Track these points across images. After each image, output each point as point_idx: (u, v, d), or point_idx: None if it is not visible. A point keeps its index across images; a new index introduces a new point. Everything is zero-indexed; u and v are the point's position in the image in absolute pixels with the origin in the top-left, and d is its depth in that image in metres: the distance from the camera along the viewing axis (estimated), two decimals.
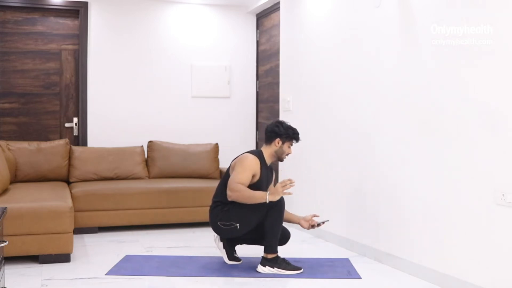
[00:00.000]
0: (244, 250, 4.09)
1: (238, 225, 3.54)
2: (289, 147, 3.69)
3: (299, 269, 3.54)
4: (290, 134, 3.66)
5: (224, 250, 3.68)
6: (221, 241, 3.68)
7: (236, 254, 3.75)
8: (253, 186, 3.54)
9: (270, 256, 3.51)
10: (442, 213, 3.24)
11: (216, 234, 3.70)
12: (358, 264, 3.73)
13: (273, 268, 3.49)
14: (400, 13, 3.62)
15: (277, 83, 5.51)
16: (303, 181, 4.95)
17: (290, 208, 5.15)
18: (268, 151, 3.69)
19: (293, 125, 3.72)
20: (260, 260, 3.55)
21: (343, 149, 4.30)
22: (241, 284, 3.31)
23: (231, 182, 3.49)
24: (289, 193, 3.42)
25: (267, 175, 3.71)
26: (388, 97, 3.74)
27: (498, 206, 2.85)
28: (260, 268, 3.52)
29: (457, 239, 3.13)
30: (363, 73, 4.03)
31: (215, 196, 3.71)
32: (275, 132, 3.66)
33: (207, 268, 3.60)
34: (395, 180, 3.67)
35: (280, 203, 3.50)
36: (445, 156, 3.22)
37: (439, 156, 3.27)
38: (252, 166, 3.55)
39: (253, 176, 3.56)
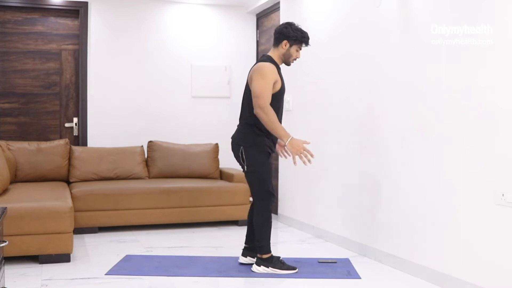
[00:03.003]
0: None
1: (246, 166, 3.46)
2: (297, 50, 3.52)
3: (294, 268, 3.53)
4: (298, 37, 3.47)
5: (276, 270, 3.49)
6: (273, 267, 3.49)
7: (284, 263, 3.55)
8: (276, 95, 3.42)
9: (264, 256, 3.51)
10: (442, 213, 3.24)
11: (256, 266, 3.52)
12: (358, 264, 3.73)
13: (268, 267, 3.48)
14: (400, 13, 3.62)
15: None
16: (303, 180, 4.95)
17: (290, 208, 5.17)
18: (276, 54, 3.52)
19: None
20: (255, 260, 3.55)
21: (343, 149, 4.30)
22: (241, 284, 3.31)
23: (260, 96, 3.29)
24: (303, 160, 3.33)
25: (283, 80, 3.56)
26: (388, 97, 3.74)
27: (498, 206, 2.85)
28: (255, 268, 3.51)
29: (457, 239, 3.13)
30: (363, 73, 4.03)
31: (240, 119, 3.57)
32: (283, 33, 3.48)
33: (207, 268, 3.60)
34: (395, 180, 3.67)
35: (266, 201, 3.46)
36: (445, 156, 3.22)
37: (439, 156, 3.27)
38: (272, 74, 3.39)
39: (275, 83, 3.41)
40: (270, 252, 3.52)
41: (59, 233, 3.67)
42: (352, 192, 4.17)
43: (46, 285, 3.19)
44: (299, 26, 3.54)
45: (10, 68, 5.59)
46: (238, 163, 3.58)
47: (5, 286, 2.76)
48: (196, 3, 6.05)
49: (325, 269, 3.61)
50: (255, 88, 3.37)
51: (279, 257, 3.59)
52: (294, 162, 3.45)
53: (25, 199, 3.84)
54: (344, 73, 4.29)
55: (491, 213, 2.89)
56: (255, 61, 6.26)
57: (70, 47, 5.77)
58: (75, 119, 5.78)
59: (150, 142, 5.62)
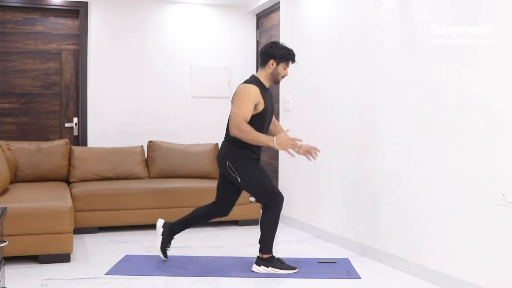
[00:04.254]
0: (242, 251, 4.09)
1: (240, 179, 3.49)
2: (284, 68, 3.54)
3: (293, 268, 3.53)
4: (284, 55, 3.49)
5: (161, 237, 3.66)
6: (162, 227, 3.67)
7: (168, 249, 3.73)
8: (259, 116, 3.45)
9: (265, 256, 3.52)
10: (442, 213, 3.24)
11: (162, 220, 3.70)
12: (358, 264, 3.73)
13: (268, 267, 3.50)
14: (400, 13, 3.62)
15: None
16: (303, 180, 4.95)
17: (290, 208, 5.16)
18: (263, 74, 3.54)
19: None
20: (255, 260, 3.56)
21: (343, 149, 4.30)
22: (241, 284, 3.31)
23: (234, 116, 3.35)
24: (296, 151, 3.41)
25: (270, 100, 3.60)
26: (388, 97, 3.74)
27: (498, 206, 2.85)
28: (255, 268, 3.52)
29: (457, 239, 3.13)
30: (363, 73, 4.03)
31: (226, 135, 3.59)
32: (269, 53, 3.50)
33: (207, 268, 3.60)
34: (395, 180, 3.67)
35: (275, 202, 3.49)
36: (445, 156, 3.22)
37: (439, 156, 3.27)
38: (252, 96, 3.39)
39: (257, 104, 3.43)
40: (271, 252, 3.53)
41: (59, 233, 3.67)
42: (352, 192, 4.17)
43: (46, 285, 3.19)
44: (284, 44, 3.58)
45: (10, 68, 5.59)
46: (230, 178, 3.57)
47: (5, 286, 2.76)
48: (196, 3, 6.05)
49: (325, 269, 3.61)
50: (231, 111, 3.42)
51: (279, 258, 3.60)
52: (293, 155, 3.49)
53: (25, 199, 3.84)
54: (344, 73, 4.29)
55: (491, 213, 2.89)
56: (255, 61, 6.27)
57: (70, 47, 5.77)
58: (75, 119, 5.78)
59: (150, 142, 5.62)
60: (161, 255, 3.73)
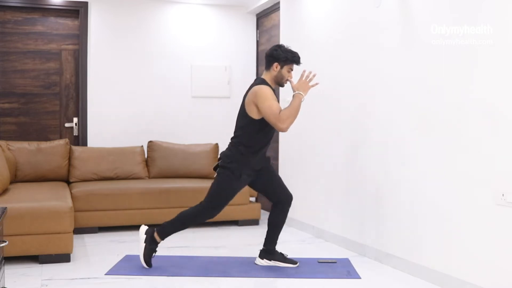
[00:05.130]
0: (242, 251, 4.09)
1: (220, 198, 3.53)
2: (288, 71, 3.55)
3: (295, 263, 3.63)
4: (288, 57, 3.51)
5: (144, 245, 3.53)
6: (145, 233, 3.56)
7: (153, 256, 3.58)
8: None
9: (268, 249, 3.64)
10: (442, 213, 3.24)
11: (145, 226, 3.62)
12: (358, 264, 3.73)
13: (270, 260, 3.61)
14: (400, 13, 3.62)
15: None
16: (303, 180, 4.95)
17: (290, 208, 5.16)
18: (268, 77, 3.56)
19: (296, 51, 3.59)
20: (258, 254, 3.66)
21: (344, 149, 4.30)
22: (241, 284, 3.31)
23: (273, 116, 3.34)
24: (316, 84, 3.48)
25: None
26: (388, 97, 3.74)
27: (498, 206, 2.85)
28: (258, 261, 3.64)
29: (457, 239, 3.13)
30: (363, 73, 4.03)
31: (235, 132, 3.59)
32: (273, 56, 3.52)
33: (207, 268, 3.60)
34: (395, 180, 3.67)
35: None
36: (445, 156, 3.22)
37: (439, 156, 3.27)
38: (271, 93, 3.45)
39: None
40: (275, 247, 3.64)
41: (59, 233, 3.67)
42: (352, 192, 4.17)
43: (46, 285, 3.19)
44: (289, 47, 3.58)
45: (10, 68, 5.59)
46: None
47: (5, 286, 2.76)
48: (196, 3, 6.05)
49: (325, 269, 3.61)
50: (265, 114, 3.40)
51: (281, 252, 3.70)
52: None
53: (25, 199, 3.83)
54: (344, 73, 4.29)
55: (491, 213, 2.89)
56: (255, 61, 6.27)
57: (70, 47, 5.77)
58: (75, 119, 5.78)
59: (150, 142, 5.62)
60: (145, 266, 3.54)
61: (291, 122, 3.38)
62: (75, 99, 5.79)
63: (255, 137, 3.50)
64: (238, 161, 3.50)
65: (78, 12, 5.71)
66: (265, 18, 6.05)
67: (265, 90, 3.44)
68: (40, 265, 3.63)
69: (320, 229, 4.63)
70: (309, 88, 3.49)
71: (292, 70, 3.58)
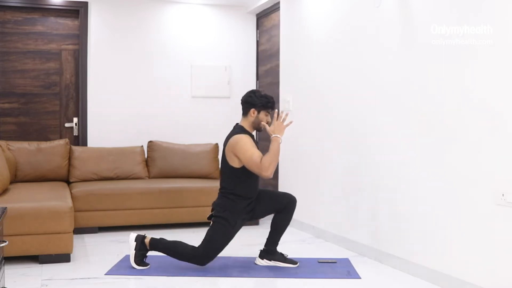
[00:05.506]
0: (242, 251, 4.09)
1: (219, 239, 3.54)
2: (266, 115, 3.61)
3: (295, 263, 3.63)
4: (263, 103, 3.58)
5: (134, 252, 3.54)
6: (134, 241, 3.57)
7: (145, 259, 3.60)
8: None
9: (269, 249, 3.64)
10: (442, 213, 3.24)
11: (134, 233, 3.61)
12: (358, 264, 3.73)
13: (270, 261, 3.62)
14: (400, 13, 3.62)
15: (277, 83, 5.51)
16: (303, 181, 4.95)
17: None
18: (246, 123, 3.62)
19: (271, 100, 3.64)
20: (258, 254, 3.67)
21: (343, 149, 4.30)
22: (241, 284, 3.31)
23: (256, 166, 3.39)
24: (290, 123, 3.53)
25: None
26: (388, 97, 3.74)
27: (498, 206, 2.85)
28: (258, 261, 3.65)
29: (457, 239, 3.13)
30: (363, 73, 4.03)
31: (221, 188, 3.65)
32: (249, 102, 3.60)
33: (207, 268, 3.60)
34: (395, 180, 3.67)
35: (294, 204, 3.63)
36: (445, 156, 3.22)
37: (439, 156, 3.27)
38: (251, 142, 3.50)
39: None
40: (275, 247, 3.65)
41: (59, 233, 3.67)
42: (352, 192, 4.17)
43: (46, 285, 3.19)
44: (263, 93, 3.65)
45: (10, 68, 5.59)
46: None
47: (5, 286, 2.76)
48: (196, 3, 6.05)
49: (325, 269, 3.61)
50: (247, 165, 3.45)
51: (281, 252, 3.70)
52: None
53: (25, 199, 3.84)
54: (344, 73, 4.29)
55: (491, 213, 2.89)
56: (255, 61, 6.27)
57: (70, 47, 5.77)
58: (75, 119, 5.78)
59: (150, 142, 5.62)
60: (140, 267, 3.55)
61: (274, 167, 3.42)
62: (75, 99, 5.79)
63: (243, 186, 3.54)
64: (231, 210, 3.53)
65: (78, 12, 5.71)
66: (265, 18, 6.05)
67: (244, 140, 3.49)
68: (40, 265, 3.63)
69: (320, 229, 4.63)
70: (284, 128, 3.51)
71: (269, 114, 3.65)
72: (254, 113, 3.59)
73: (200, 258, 3.52)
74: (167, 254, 3.59)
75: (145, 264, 3.57)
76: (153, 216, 4.90)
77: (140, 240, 3.56)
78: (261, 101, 3.58)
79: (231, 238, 3.59)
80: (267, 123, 3.63)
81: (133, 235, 3.60)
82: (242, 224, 3.63)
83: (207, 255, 3.52)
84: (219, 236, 3.52)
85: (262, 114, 3.61)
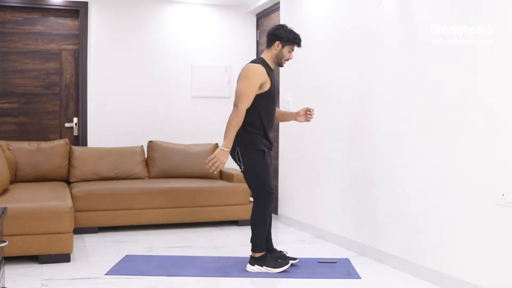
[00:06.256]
0: (242, 251, 4.09)
1: (243, 167, 3.51)
2: (289, 51, 3.57)
3: (287, 263, 3.55)
4: (290, 38, 3.53)
5: (269, 268, 3.51)
6: (256, 264, 3.52)
7: (277, 258, 3.61)
8: (266, 95, 3.48)
9: (257, 254, 3.53)
10: (442, 213, 3.24)
11: (251, 265, 3.54)
12: (358, 264, 3.73)
13: (262, 267, 3.51)
14: (400, 13, 3.62)
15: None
16: (303, 180, 4.95)
17: (290, 208, 5.16)
18: (269, 55, 3.57)
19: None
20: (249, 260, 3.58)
21: (343, 149, 4.30)
22: (241, 284, 3.31)
23: (239, 93, 3.40)
24: (209, 166, 3.38)
25: (277, 81, 3.62)
26: (388, 97, 3.74)
27: (498, 206, 2.85)
28: (249, 268, 3.53)
29: (457, 239, 3.13)
30: (363, 73, 4.03)
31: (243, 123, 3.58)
32: (275, 34, 3.54)
33: (207, 268, 3.60)
34: (395, 180, 3.67)
35: (266, 200, 3.49)
36: (445, 156, 3.22)
37: (439, 156, 3.26)
38: (258, 75, 3.44)
39: (263, 84, 3.46)
40: (263, 251, 3.54)
41: (59, 233, 3.67)
42: (352, 192, 4.17)
43: (46, 285, 3.19)
44: (292, 28, 3.60)
45: (10, 68, 5.59)
46: (235, 163, 3.59)
47: (5, 286, 2.76)
48: (196, 3, 6.05)
49: (325, 269, 3.61)
50: (238, 88, 3.46)
51: (281, 250, 3.68)
52: (206, 161, 3.46)
53: (25, 199, 3.84)
54: (344, 73, 4.29)
55: (491, 213, 2.89)
56: None
57: (70, 47, 5.77)
58: (75, 119, 5.78)
59: (150, 142, 5.62)
60: (286, 266, 3.54)
61: (231, 115, 3.41)
62: (75, 99, 5.79)
63: (258, 116, 3.48)
64: (252, 143, 3.47)
65: (78, 12, 5.71)
66: (265, 18, 6.05)
67: (254, 69, 3.46)
68: (40, 265, 3.63)
69: (320, 229, 4.63)
70: (214, 160, 3.39)
71: (293, 50, 3.60)
72: (278, 46, 3.53)
73: (265, 195, 3.47)
74: (264, 230, 3.53)
75: (291, 259, 3.62)
76: (153, 216, 4.90)
77: (260, 260, 3.52)
78: (288, 35, 3.53)
79: (269, 163, 3.53)
80: (288, 59, 3.59)
81: (250, 267, 3.53)
82: (268, 153, 3.56)
83: (264, 186, 3.47)
84: (258, 168, 3.47)
85: (286, 49, 3.55)
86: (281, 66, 3.65)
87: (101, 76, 5.75)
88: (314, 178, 4.76)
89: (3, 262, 2.48)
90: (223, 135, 3.45)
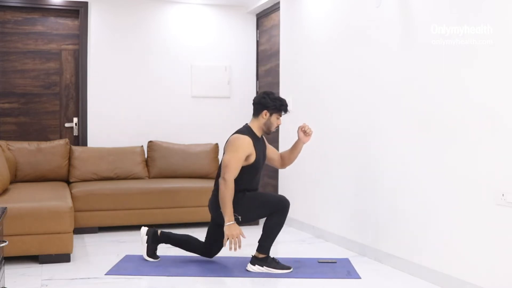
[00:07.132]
0: (242, 251, 4.09)
1: (240, 217, 3.52)
2: (277, 118, 3.60)
3: (288, 268, 3.54)
4: (277, 106, 3.55)
5: (146, 245, 3.74)
6: (146, 234, 3.74)
7: (156, 251, 3.79)
8: (251, 167, 3.52)
9: (261, 255, 3.54)
10: (442, 213, 3.24)
11: (145, 227, 3.78)
12: (358, 264, 3.73)
13: (263, 267, 3.51)
14: (400, 13, 3.62)
15: (277, 83, 5.51)
16: (303, 181, 4.95)
17: (291, 207, 5.15)
18: (256, 124, 3.60)
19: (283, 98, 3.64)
20: (250, 259, 3.58)
21: (343, 149, 4.30)
22: (241, 284, 3.32)
23: (225, 164, 3.42)
24: (231, 246, 3.38)
25: (262, 150, 3.65)
26: (388, 97, 3.74)
27: (498, 206, 2.85)
28: (250, 267, 3.54)
29: (457, 239, 3.13)
30: (363, 73, 4.03)
31: (215, 184, 3.67)
32: (262, 103, 3.56)
33: (207, 268, 3.60)
34: (395, 180, 3.67)
35: (286, 208, 3.54)
36: (445, 156, 3.22)
37: (439, 156, 3.26)
38: (244, 147, 3.47)
39: (249, 156, 3.49)
40: (268, 253, 3.55)
41: (59, 233, 3.67)
42: (352, 192, 4.17)
43: (46, 285, 3.19)
44: (276, 95, 3.62)
45: (10, 68, 5.59)
46: (221, 223, 3.56)
47: (5, 286, 2.76)
48: (196, 3, 6.05)
49: (325, 269, 3.61)
50: (225, 160, 3.47)
51: (273, 257, 3.61)
52: (224, 244, 3.50)
53: (25, 199, 3.84)
54: (344, 73, 4.29)
55: (491, 213, 2.89)
56: (255, 61, 6.27)
57: (70, 47, 5.77)
58: (75, 119, 5.78)
59: (150, 142, 5.62)
60: (152, 260, 3.77)
61: (221, 189, 3.40)
62: (75, 99, 5.79)
63: (241, 182, 3.51)
64: (239, 206, 3.51)
65: (78, 12, 5.71)
66: (265, 18, 6.05)
67: (241, 141, 3.48)
68: (40, 265, 3.63)
69: (320, 229, 4.63)
70: (231, 236, 3.39)
71: (280, 117, 3.63)
72: (266, 114, 3.57)
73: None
74: (179, 247, 3.77)
75: (157, 257, 3.74)
76: (153, 216, 4.90)
77: (152, 233, 3.71)
78: (274, 103, 3.55)
79: (258, 193, 3.66)
80: (277, 126, 3.63)
81: (144, 229, 3.74)
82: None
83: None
84: (257, 200, 3.56)
85: (274, 117, 3.58)
86: (269, 134, 3.66)
87: (101, 76, 5.75)
88: (314, 178, 4.76)
89: (3, 262, 2.48)
90: (222, 211, 3.43)
